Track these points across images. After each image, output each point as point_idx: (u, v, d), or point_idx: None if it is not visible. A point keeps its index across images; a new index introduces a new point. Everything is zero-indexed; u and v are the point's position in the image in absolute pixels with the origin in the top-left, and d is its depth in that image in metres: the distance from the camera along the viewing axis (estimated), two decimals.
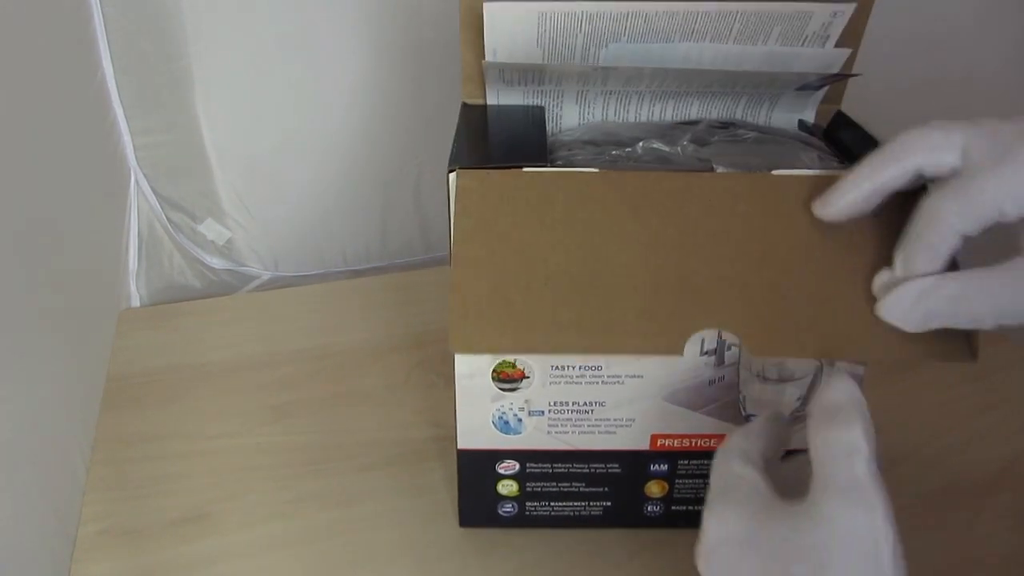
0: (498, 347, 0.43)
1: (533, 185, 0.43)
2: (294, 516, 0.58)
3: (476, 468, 0.52)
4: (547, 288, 0.41)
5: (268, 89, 0.76)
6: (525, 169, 0.43)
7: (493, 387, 0.48)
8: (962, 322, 0.37)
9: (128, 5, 0.69)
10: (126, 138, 0.75)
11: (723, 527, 0.35)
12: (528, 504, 0.54)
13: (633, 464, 0.52)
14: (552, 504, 0.54)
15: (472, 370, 0.48)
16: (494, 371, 0.47)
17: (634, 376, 0.48)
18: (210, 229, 0.81)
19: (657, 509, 0.54)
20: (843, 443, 0.33)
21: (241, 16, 0.71)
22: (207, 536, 0.57)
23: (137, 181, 0.77)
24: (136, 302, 0.81)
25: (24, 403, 0.53)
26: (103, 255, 0.75)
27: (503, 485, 0.53)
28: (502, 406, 0.49)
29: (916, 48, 0.75)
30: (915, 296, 0.38)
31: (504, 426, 0.50)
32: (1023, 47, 0.74)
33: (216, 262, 0.83)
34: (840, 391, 0.35)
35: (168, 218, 0.80)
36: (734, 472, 0.37)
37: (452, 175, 0.43)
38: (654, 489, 0.53)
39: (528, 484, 0.53)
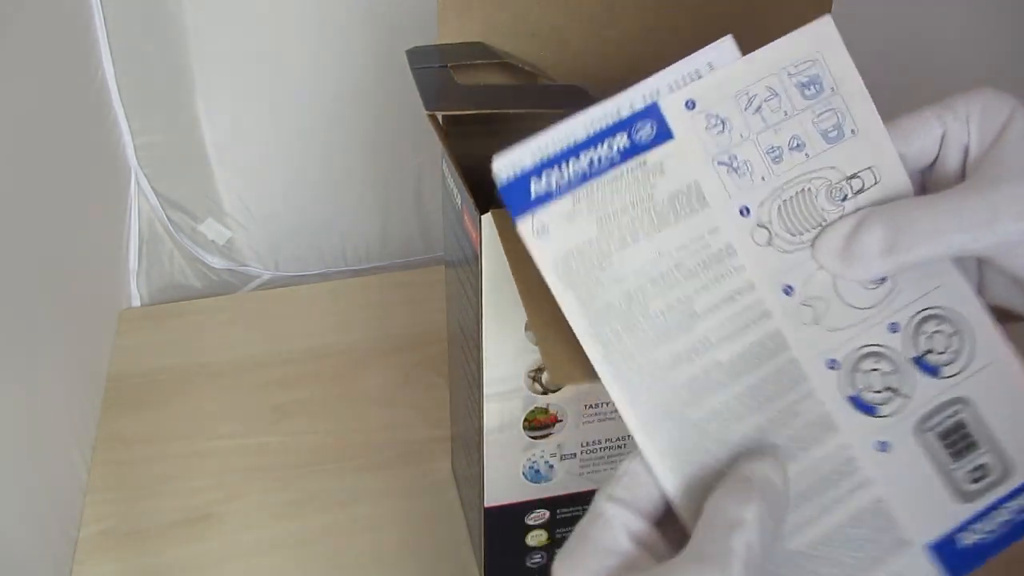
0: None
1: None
2: (295, 517, 0.58)
3: (505, 524, 0.50)
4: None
5: (268, 89, 0.76)
6: None
7: (524, 436, 0.46)
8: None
9: (128, 5, 0.69)
10: (126, 138, 0.75)
11: None
12: (557, 551, 0.53)
13: None
14: None
15: (503, 422, 0.45)
16: (525, 419, 0.45)
17: None
18: (210, 229, 0.81)
19: None
20: (729, 514, 0.29)
21: (241, 16, 0.71)
22: (209, 537, 0.57)
23: (137, 181, 0.77)
24: (136, 302, 0.81)
25: (24, 403, 0.53)
26: (103, 255, 0.75)
27: (532, 536, 0.51)
28: (533, 455, 0.47)
29: (902, 51, 0.75)
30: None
31: (535, 475, 0.48)
32: (1008, 54, 0.74)
33: (216, 262, 0.83)
34: (761, 469, 0.30)
35: (168, 218, 0.80)
36: (604, 514, 0.32)
37: (486, 218, 0.38)
38: None
39: (558, 531, 0.51)
